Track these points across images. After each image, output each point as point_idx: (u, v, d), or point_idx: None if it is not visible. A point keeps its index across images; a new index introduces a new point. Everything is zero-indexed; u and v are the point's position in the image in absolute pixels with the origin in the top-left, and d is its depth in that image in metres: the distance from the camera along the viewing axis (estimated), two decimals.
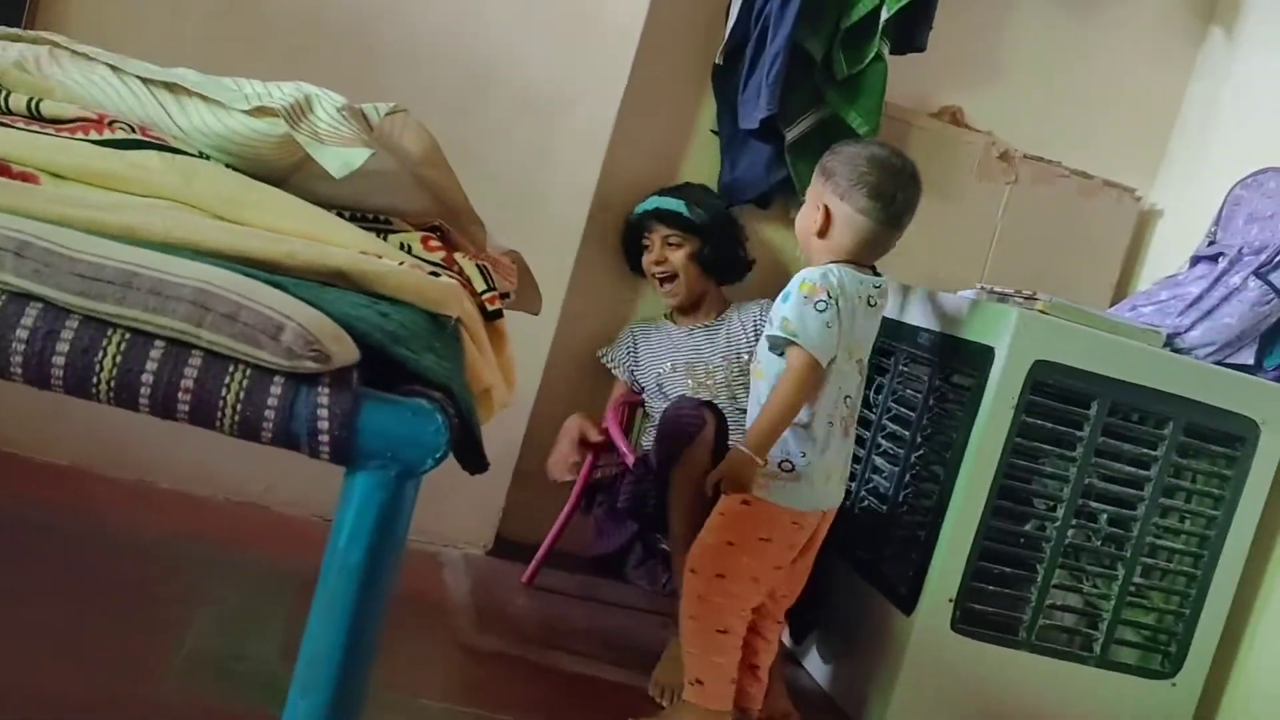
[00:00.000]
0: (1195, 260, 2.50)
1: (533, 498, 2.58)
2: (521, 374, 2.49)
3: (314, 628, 0.80)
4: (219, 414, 0.75)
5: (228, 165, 1.31)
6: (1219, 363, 2.24)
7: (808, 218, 1.87)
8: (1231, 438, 2.17)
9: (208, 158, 1.30)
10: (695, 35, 2.69)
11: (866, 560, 2.34)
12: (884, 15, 2.52)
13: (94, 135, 1.25)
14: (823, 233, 1.84)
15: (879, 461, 2.40)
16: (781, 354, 1.79)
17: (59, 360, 0.72)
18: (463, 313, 1.29)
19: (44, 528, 2.02)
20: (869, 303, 1.85)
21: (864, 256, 1.86)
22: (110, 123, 1.27)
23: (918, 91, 2.83)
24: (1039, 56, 2.91)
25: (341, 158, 1.25)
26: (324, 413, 0.77)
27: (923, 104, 2.85)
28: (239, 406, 0.76)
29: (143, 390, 0.74)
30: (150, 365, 0.74)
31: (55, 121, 1.27)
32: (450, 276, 1.39)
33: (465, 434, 0.88)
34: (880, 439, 2.40)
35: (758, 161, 2.66)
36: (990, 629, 2.14)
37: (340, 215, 1.41)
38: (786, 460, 1.81)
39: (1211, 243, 2.49)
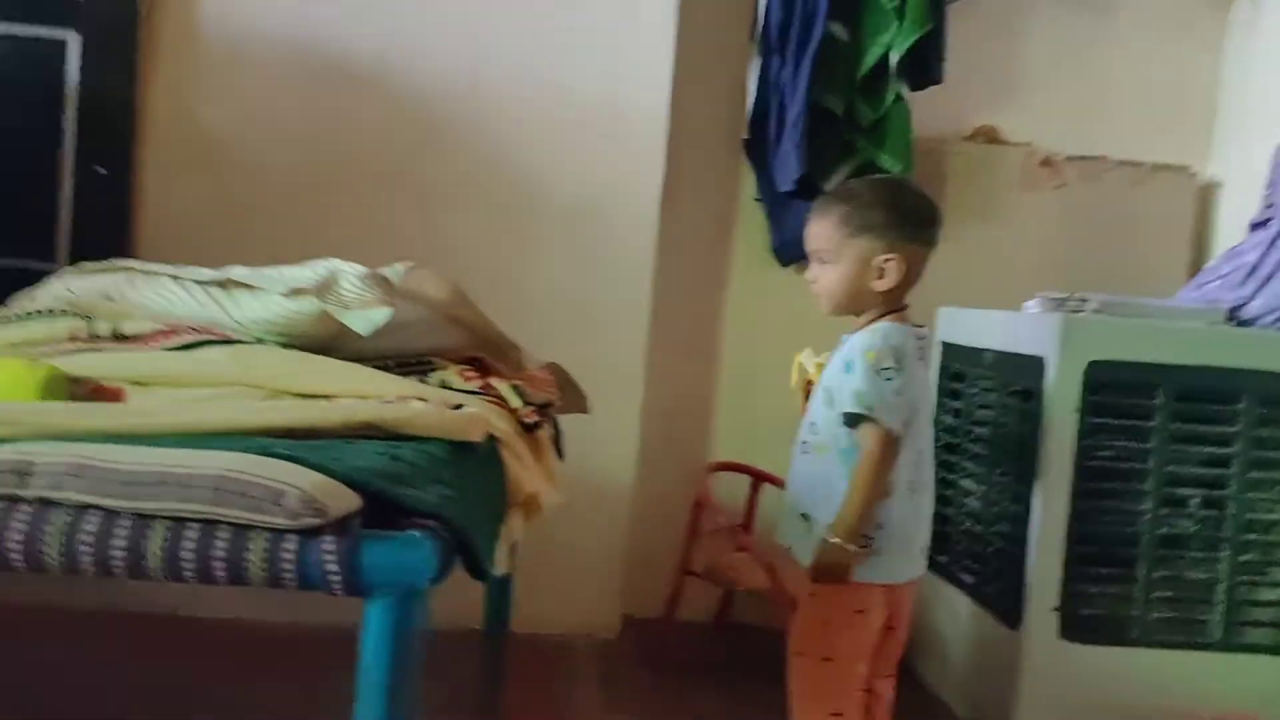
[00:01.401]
0: (1253, 226, 2.48)
1: (650, 574, 2.71)
2: (616, 462, 2.68)
3: None
4: (248, 573, 0.93)
5: (281, 344, 1.52)
6: None
7: (860, 275, 1.73)
8: None
9: (263, 343, 1.52)
10: (719, 114, 2.84)
11: (969, 580, 2.37)
12: (894, 60, 2.63)
13: (166, 344, 1.48)
14: (881, 282, 1.73)
15: (967, 483, 2.44)
16: (853, 427, 1.70)
17: (116, 553, 0.92)
18: (497, 432, 1.46)
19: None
20: (919, 356, 1.78)
21: (907, 294, 1.80)
22: (178, 329, 1.51)
23: (949, 118, 2.89)
24: (1062, 56, 2.94)
25: (366, 319, 1.45)
26: (331, 558, 0.94)
27: (957, 129, 2.92)
28: (264, 565, 0.93)
29: (185, 566, 0.92)
30: (187, 544, 0.92)
31: (136, 338, 1.51)
32: (488, 400, 1.57)
33: (463, 549, 1.04)
34: (965, 462, 2.45)
35: (802, 219, 2.72)
36: (1100, 631, 2.14)
37: (386, 364, 1.61)
38: (864, 535, 1.71)
39: (1268, 206, 2.47)
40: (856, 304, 1.77)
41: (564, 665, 2.53)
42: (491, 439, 1.44)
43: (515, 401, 1.60)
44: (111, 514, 0.93)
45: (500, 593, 2.23)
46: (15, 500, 0.93)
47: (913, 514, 1.77)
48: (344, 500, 0.97)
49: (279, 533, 0.94)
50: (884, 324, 1.73)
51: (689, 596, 2.64)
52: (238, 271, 1.59)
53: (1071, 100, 2.94)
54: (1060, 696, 2.13)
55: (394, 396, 1.45)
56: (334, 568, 0.94)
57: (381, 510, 1.02)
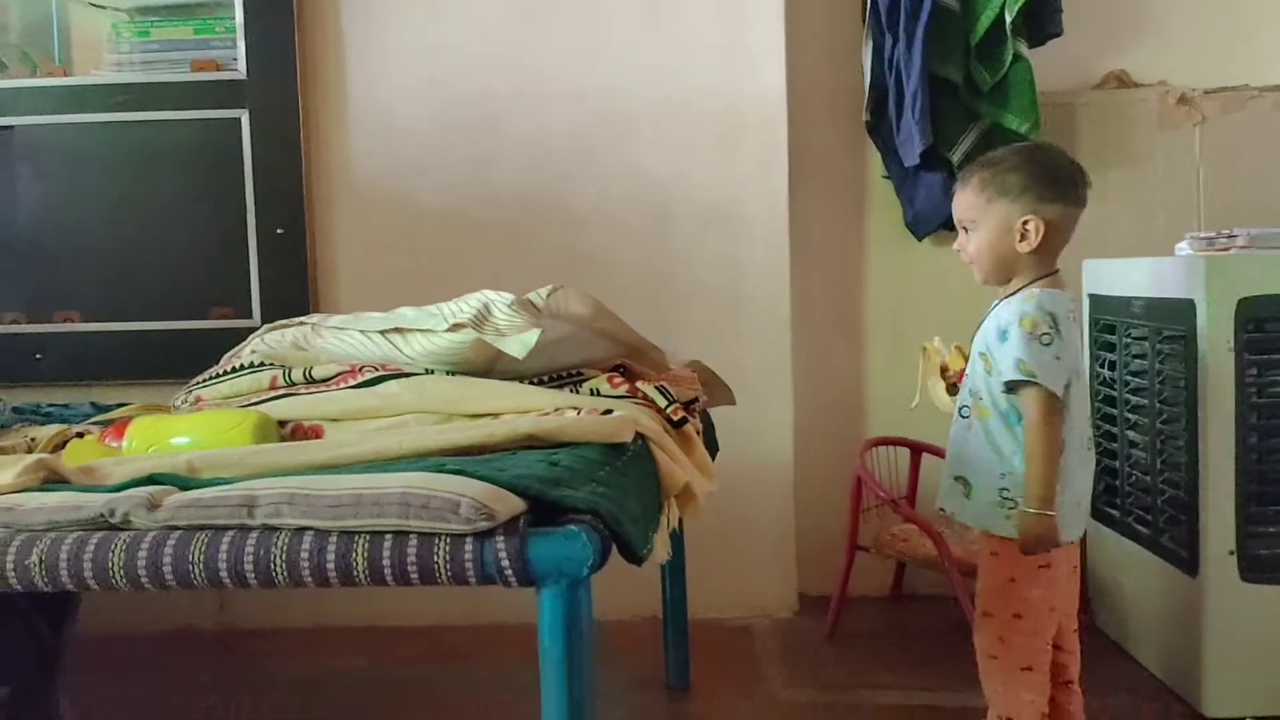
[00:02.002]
0: None
1: (822, 552, 2.80)
2: (776, 448, 2.78)
3: (546, 704, 1.11)
4: (436, 573, 1.09)
5: (448, 373, 1.70)
6: None
7: (1002, 239, 1.75)
8: None
9: (432, 372, 1.69)
10: (838, 99, 2.89)
11: (1143, 531, 2.36)
12: (1009, 19, 2.63)
13: (351, 382, 1.68)
14: (1033, 247, 1.73)
15: (1130, 434, 2.42)
16: (1013, 392, 1.72)
17: (330, 566, 1.09)
18: (646, 431, 1.59)
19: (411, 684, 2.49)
20: (1072, 318, 1.77)
21: (1058, 258, 1.80)
22: (360, 368, 1.70)
23: (1075, 69, 2.87)
24: None
25: (519, 343, 1.61)
26: (503, 555, 1.08)
27: (1084, 79, 2.88)
28: (448, 565, 1.09)
29: (386, 571, 1.09)
30: (385, 553, 1.09)
31: (325, 380, 1.71)
32: (636, 402, 1.70)
33: (617, 539, 1.17)
34: (1126, 413, 2.43)
35: (933, 191, 2.79)
36: None
37: (541, 380, 1.76)
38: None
39: None
40: (1005, 269, 1.77)
41: (745, 645, 2.64)
42: (641, 438, 1.57)
43: (661, 401, 1.72)
44: (322, 533, 1.10)
45: (675, 581, 2.37)
46: (246, 528, 1.12)
47: (1080, 472, 1.79)
48: (510, 504, 1.12)
49: (459, 537, 1.09)
50: (1035, 290, 1.73)
51: (862, 572, 2.71)
52: (404, 312, 1.78)
53: (1203, 32, 2.86)
54: (1245, 639, 2.10)
55: (550, 409, 1.60)
56: (507, 563, 1.08)
57: (546, 511, 1.16)
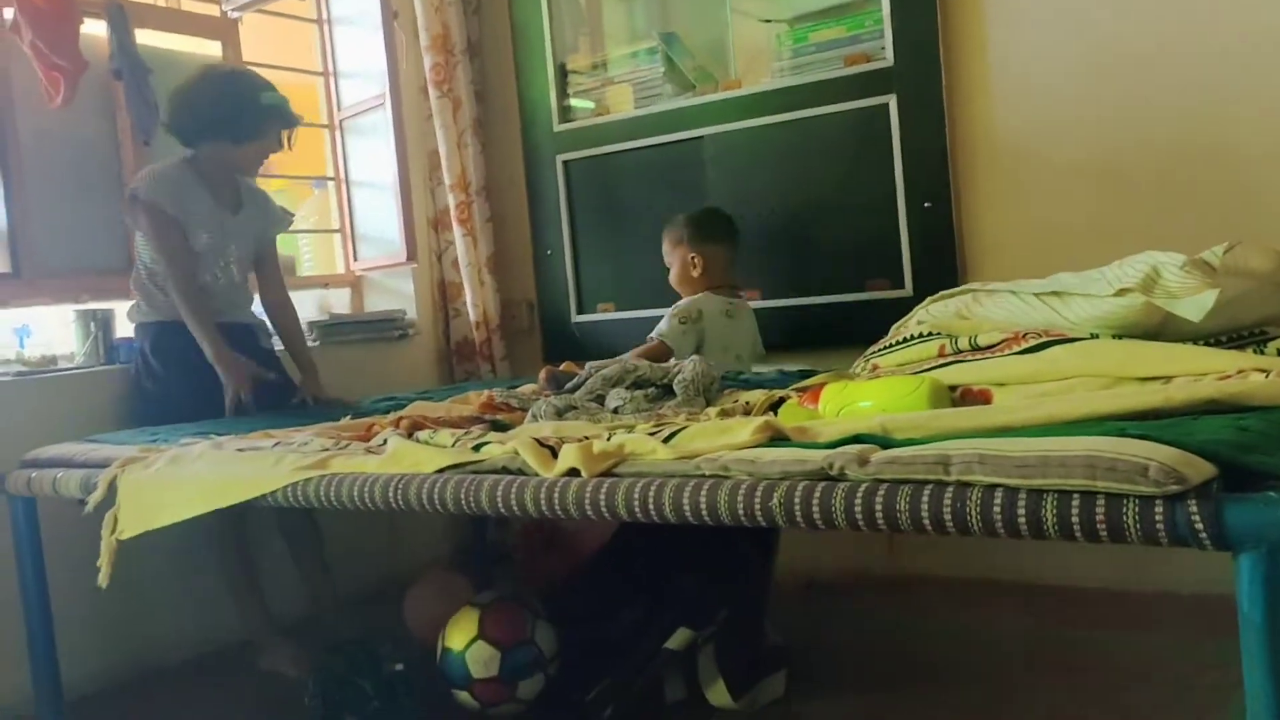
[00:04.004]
0: None
1: None
2: None
3: (1248, 672, 1.11)
4: (1127, 533, 1.14)
5: (1112, 337, 1.71)
6: None
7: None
8: None
9: (1096, 336, 1.72)
10: None
11: None
12: None
13: (1015, 348, 1.77)
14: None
15: None
16: None
17: (1020, 520, 1.20)
18: None
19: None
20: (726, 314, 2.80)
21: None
22: (1023, 335, 1.79)
23: None
24: None
25: (1195, 305, 1.58)
26: (1196, 519, 1.10)
27: None
28: (1138, 525, 1.14)
29: (1075, 527, 1.17)
30: (1073, 512, 1.17)
31: (989, 347, 1.82)
32: None
33: None
34: None
35: None
36: None
37: (1218, 340, 1.71)
38: None
39: None
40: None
41: None
42: None
43: None
44: (1012, 490, 1.21)
45: None
46: (942, 484, 1.27)
47: None
48: (1200, 469, 1.13)
49: (1148, 499, 1.13)
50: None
51: None
52: (1064, 278, 1.82)
53: None
54: None
55: (1232, 371, 1.54)
56: (1201, 526, 1.10)
57: (1238, 477, 1.16)
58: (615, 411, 2.11)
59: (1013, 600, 2.75)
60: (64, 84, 2.70)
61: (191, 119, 2.62)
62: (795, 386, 1.99)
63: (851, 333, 2.83)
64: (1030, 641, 2.54)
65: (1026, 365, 1.72)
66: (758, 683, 2.28)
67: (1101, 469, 1.15)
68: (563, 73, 3.55)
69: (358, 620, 2.74)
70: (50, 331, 2.94)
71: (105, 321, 2.81)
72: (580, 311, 3.54)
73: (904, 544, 2.96)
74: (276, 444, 2.04)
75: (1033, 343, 1.75)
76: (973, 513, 1.23)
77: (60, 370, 2.70)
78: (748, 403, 1.98)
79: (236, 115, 2.61)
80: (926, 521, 1.27)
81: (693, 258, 2.86)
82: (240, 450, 2.00)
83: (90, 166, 2.98)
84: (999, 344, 1.80)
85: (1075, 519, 1.17)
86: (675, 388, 2.18)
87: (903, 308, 2.32)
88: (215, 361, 2.56)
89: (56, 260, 2.89)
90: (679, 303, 2.85)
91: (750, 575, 2.38)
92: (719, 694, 2.21)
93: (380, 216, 3.57)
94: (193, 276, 2.60)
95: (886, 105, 2.89)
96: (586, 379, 2.30)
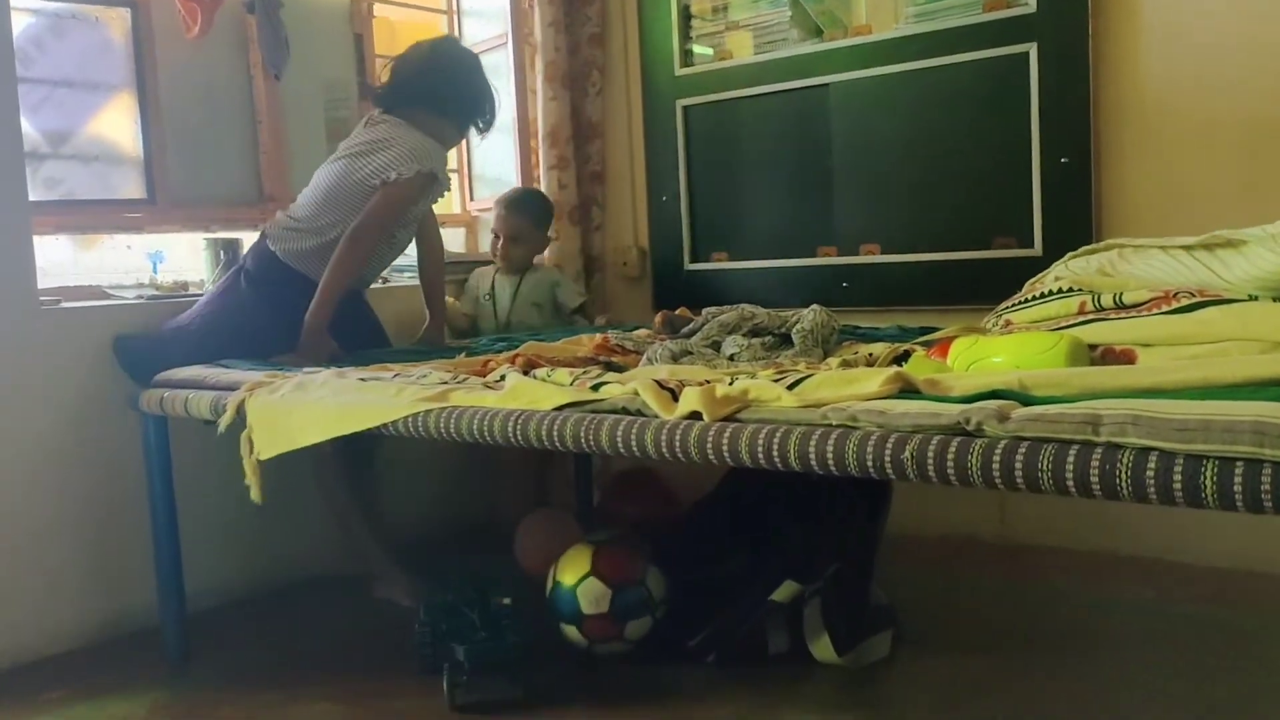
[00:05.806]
0: None
1: None
2: None
3: None
4: None
5: (1274, 299, 1.61)
6: None
7: None
8: None
9: (1255, 298, 1.62)
10: None
11: None
12: None
13: (1165, 308, 1.68)
14: None
15: None
16: None
17: (1176, 485, 1.13)
18: None
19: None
20: None
21: None
22: (1174, 294, 1.69)
23: None
24: None
25: None
26: None
27: None
28: None
29: (1236, 496, 1.10)
30: (1237, 479, 1.10)
31: (1135, 306, 1.73)
32: None
33: None
34: None
35: None
36: None
37: None
38: None
39: None
40: None
41: None
42: None
43: None
44: (1168, 455, 1.15)
45: None
46: (1090, 444, 1.21)
47: None
48: None
49: None
50: None
51: None
52: (1220, 234, 1.71)
53: None
54: None
55: None
56: None
57: None
58: (731, 359, 2.08)
59: (1132, 573, 2.65)
60: (201, 15, 2.75)
61: (437, 89, 2.65)
62: (921, 339, 1.92)
63: (975, 291, 2.75)
64: (1150, 615, 2.45)
65: (1176, 326, 1.63)
66: (863, 640, 2.24)
67: (1272, 436, 1.08)
68: (686, 16, 3.48)
69: (469, 555, 2.78)
70: (181, 259, 3.02)
71: (233, 250, 2.87)
72: (694, 260, 3.49)
73: (1018, 510, 2.88)
74: (395, 375, 2.06)
75: (1184, 302, 1.65)
76: (1123, 476, 1.17)
77: (190, 295, 2.78)
78: (871, 354, 1.92)
79: (476, 98, 2.71)
80: (1070, 483, 1.21)
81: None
82: (363, 380, 2.03)
83: (223, 99, 3.04)
84: (1146, 303, 1.71)
85: (1238, 487, 1.10)
86: (793, 337, 2.14)
87: (1029, 268, 2.21)
88: (309, 333, 2.49)
89: (189, 189, 2.96)
90: None
91: (860, 532, 2.34)
92: (824, 649, 2.18)
93: (498, 157, 3.57)
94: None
95: (1026, 54, 2.76)
96: (703, 324, 2.26)
